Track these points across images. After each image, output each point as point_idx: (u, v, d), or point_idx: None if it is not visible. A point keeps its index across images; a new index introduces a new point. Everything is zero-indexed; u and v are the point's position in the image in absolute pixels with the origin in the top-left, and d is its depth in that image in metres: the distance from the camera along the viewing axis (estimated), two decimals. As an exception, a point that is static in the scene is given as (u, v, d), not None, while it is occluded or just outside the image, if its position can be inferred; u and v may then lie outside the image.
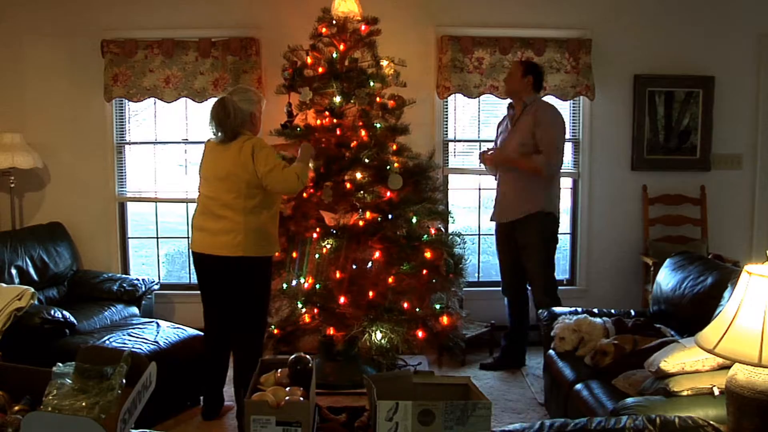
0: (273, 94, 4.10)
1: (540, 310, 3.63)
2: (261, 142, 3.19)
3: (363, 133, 3.72)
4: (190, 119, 4.70)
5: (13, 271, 3.98)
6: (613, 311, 3.43)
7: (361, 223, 3.68)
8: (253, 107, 3.26)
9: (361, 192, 3.69)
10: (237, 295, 3.21)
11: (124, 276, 4.47)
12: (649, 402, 2.39)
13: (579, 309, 3.50)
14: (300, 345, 3.80)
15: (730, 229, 4.69)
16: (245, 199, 3.12)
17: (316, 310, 3.71)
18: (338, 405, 3.22)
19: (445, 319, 3.79)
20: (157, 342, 3.45)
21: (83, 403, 1.60)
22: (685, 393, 2.39)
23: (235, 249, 3.11)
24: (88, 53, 4.45)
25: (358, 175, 3.70)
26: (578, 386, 2.91)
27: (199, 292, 3.37)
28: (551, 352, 3.36)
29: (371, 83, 3.77)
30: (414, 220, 3.75)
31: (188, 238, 4.48)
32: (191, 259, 3.55)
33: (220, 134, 3.19)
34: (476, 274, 4.83)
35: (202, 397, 3.48)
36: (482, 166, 4.18)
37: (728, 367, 2.06)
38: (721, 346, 1.91)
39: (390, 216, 3.73)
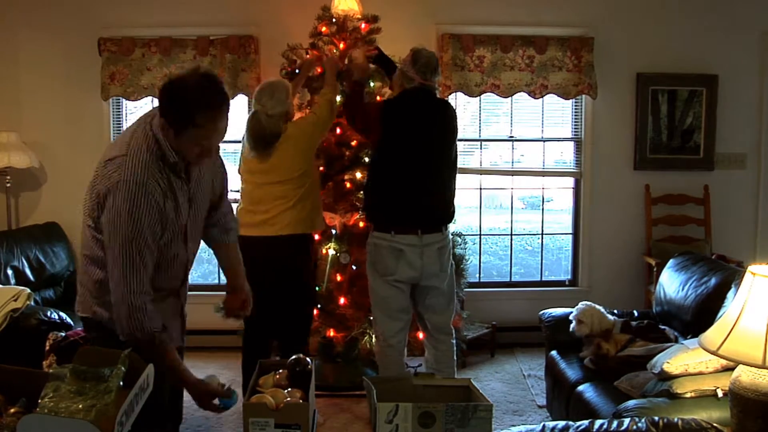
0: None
1: (542, 311, 3.59)
2: (293, 126, 3.19)
3: (363, 132, 3.69)
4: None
5: (9, 272, 3.97)
6: (615, 311, 3.40)
7: (361, 223, 3.66)
8: (286, 107, 3.19)
9: (362, 192, 3.66)
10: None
11: (122, 276, 4.44)
12: (652, 404, 2.37)
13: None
14: (299, 346, 3.78)
15: (734, 229, 4.67)
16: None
17: (315, 312, 3.69)
18: (337, 407, 3.20)
19: (445, 320, 3.76)
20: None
21: (80, 405, 1.58)
22: (688, 395, 2.38)
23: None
24: (85, 51, 4.42)
25: (358, 175, 3.68)
26: (580, 388, 2.89)
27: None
28: (553, 352, 3.35)
29: (371, 82, 3.74)
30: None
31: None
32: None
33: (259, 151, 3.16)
34: (477, 275, 4.80)
35: None
36: None
37: (732, 369, 2.05)
38: (724, 347, 1.90)
39: (390, 216, 3.70)
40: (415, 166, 3.00)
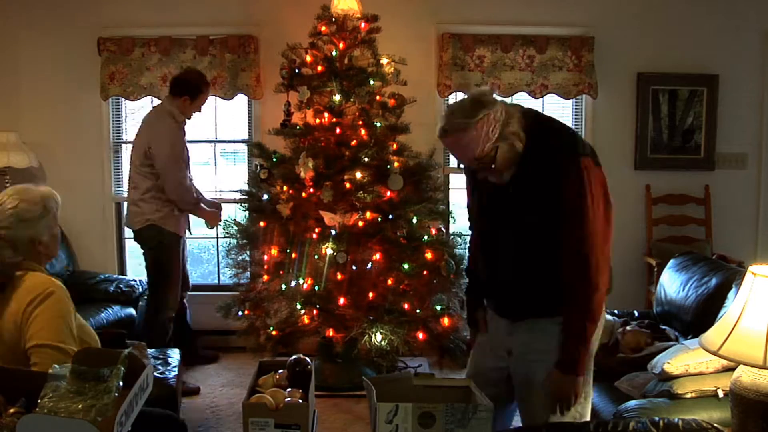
0: (272, 92, 4.09)
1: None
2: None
3: (363, 132, 3.70)
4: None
5: (10, 272, 3.95)
6: (616, 312, 3.40)
7: (360, 223, 3.65)
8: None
9: (361, 192, 3.66)
10: None
11: (120, 277, 4.44)
12: (653, 404, 2.37)
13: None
14: (299, 346, 3.77)
15: (735, 229, 4.66)
16: None
17: (315, 312, 3.69)
18: (337, 407, 3.20)
19: (446, 321, 3.75)
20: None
21: (79, 406, 1.58)
22: (689, 395, 2.38)
23: None
24: (85, 51, 4.42)
25: (358, 175, 3.67)
26: (581, 388, 2.87)
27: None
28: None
29: (371, 82, 3.74)
30: (414, 220, 3.72)
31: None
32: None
33: None
34: (477, 275, 4.79)
35: None
36: None
37: (733, 369, 2.04)
38: (725, 348, 1.90)
39: (390, 216, 3.70)
40: None
